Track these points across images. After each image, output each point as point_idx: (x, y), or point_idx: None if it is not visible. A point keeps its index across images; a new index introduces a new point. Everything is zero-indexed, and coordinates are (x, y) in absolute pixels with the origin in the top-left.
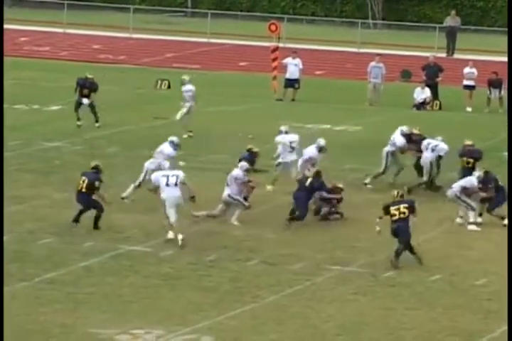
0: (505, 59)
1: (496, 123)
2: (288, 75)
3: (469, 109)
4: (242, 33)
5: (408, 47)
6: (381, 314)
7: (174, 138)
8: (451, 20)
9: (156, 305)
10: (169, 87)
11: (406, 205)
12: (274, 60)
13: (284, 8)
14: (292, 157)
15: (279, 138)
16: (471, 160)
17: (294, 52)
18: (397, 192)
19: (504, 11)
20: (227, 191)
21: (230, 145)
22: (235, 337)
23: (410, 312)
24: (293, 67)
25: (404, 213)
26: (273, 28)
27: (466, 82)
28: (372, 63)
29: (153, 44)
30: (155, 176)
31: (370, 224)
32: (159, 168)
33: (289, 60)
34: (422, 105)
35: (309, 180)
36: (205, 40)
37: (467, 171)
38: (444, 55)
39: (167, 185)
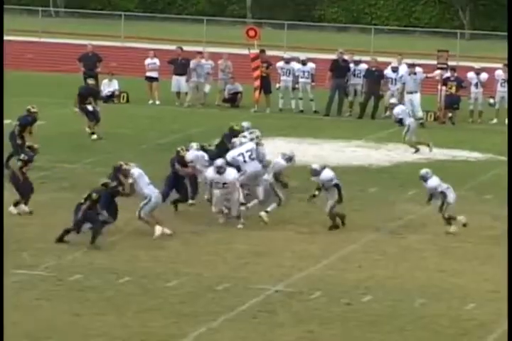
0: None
1: (187, 117)
2: None
3: (151, 102)
4: None
5: (94, 36)
6: (68, 320)
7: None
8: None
9: None
10: None
11: None
12: None
13: None
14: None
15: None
16: None
17: None
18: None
19: None
20: None
21: None
22: None
23: (99, 318)
24: None
25: None
26: None
27: (148, 74)
28: None
29: None
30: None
31: (57, 225)
32: None
33: None
34: (109, 98)
35: None
36: None
37: None
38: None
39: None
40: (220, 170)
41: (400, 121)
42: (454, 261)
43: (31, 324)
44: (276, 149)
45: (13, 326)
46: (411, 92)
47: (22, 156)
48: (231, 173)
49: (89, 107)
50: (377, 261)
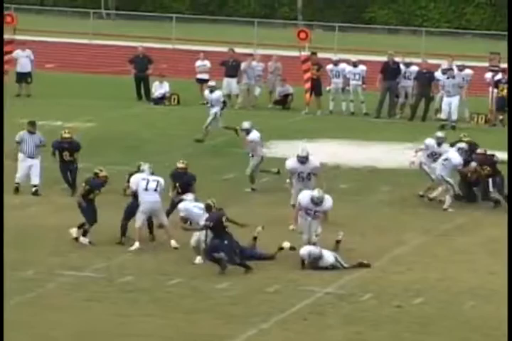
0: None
1: (238, 119)
2: (19, 69)
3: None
4: None
5: (144, 38)
6: (116, 321)
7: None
8: None
9: None
10: None
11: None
12: None
13: None
14: None
15: None
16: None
17: (23, 44)
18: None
19: None
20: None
21: None
22: None
23: (148, 319)
24: (24, 59)
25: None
26: None
27: (199, 76)
28: None
29: None
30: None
31: (108, 226)
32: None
33: (19, 53)
34: (160, 100)
35: None
36: None
37: None
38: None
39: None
40: (318, 202)
41: (224, 103)
42: (505, 264)
43: (78, 325)
44: (324, 151)
45: (59, 326)
46: (449, 96)
47: (83, 185)
48: (329, 201)
49: None
50: (428, 263)
